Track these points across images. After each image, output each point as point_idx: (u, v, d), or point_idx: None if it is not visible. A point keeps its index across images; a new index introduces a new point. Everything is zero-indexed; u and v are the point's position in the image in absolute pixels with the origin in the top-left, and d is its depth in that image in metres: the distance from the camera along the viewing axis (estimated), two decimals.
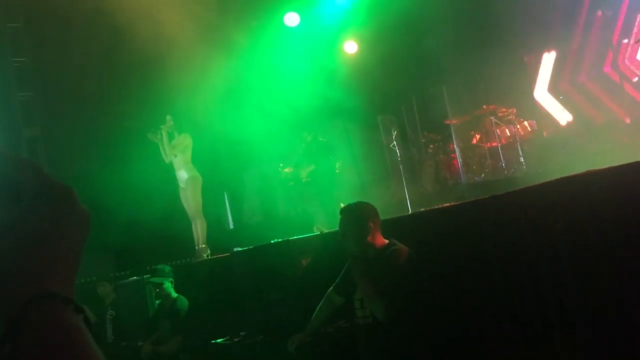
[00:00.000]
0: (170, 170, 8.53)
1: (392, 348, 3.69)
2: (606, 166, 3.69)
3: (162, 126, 8.07)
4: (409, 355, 3.65)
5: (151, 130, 8.14)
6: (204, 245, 7.97)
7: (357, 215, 3.93)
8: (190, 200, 8.04)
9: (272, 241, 6.79)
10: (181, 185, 8.14)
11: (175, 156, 8.04)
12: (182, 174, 8.08)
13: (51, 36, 8.71)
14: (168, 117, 8.10)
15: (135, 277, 8.03)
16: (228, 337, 6.10)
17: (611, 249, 3.43)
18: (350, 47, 10.49)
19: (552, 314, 3.74)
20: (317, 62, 9.71)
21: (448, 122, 10.01)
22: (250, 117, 8.97)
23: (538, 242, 3.86)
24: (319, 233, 7.05)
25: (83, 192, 0.73)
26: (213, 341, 6.09)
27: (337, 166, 9.26)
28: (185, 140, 8.05)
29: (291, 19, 9.80)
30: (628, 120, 9.57)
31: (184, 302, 6.07)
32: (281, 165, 9.84)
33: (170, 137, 8.10)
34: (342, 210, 4.06)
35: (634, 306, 3.34)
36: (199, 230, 8.08)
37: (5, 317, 0.63)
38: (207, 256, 7.80)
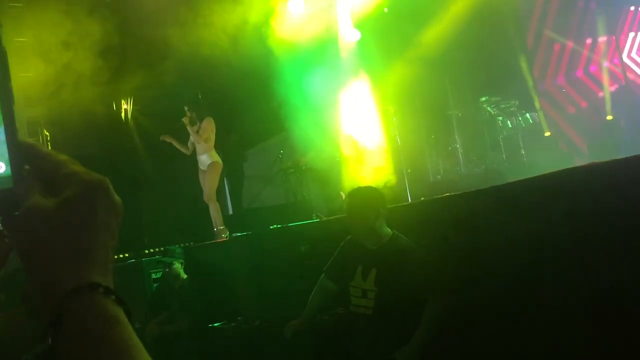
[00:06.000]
0: (171, 153, 8.54)
1: (388, 340, 3.69)
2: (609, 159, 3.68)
3: (182, 119, 8.11)
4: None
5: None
6: (222, 227, 8.05)
7: (365, 199, 3.94)
8: (206, 183, 8.17)
9: (271, 227, 6.79)
10: (201, 168, 8.21)
11: (199, 142, 8.10)
12: (205, 158, 8.19)
13: (53, 16, 8.65)
14: (185, 108, 8.15)
15: (133, 260, 8.05)
16: (225, 321, 6.12)
17: (612, 242, 3.42)
18: (353, 34, 10.41)
19: (552, 306, 3.74)
20: (318, 48, 9.64)
21: (450, 112, 9.98)
22: (249, 102, 8.94)
23: (539, 234, 3.85)
24: (318, 220, 7.05)
25: None
26: (210, 325, 6.11)
27: (337, 154, 9.24)
28: (210, 125, 8.10)
29: (295, 5, 9.72)
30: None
31: (193, 284, 6.14)
32: (282, 152, 9.82)
33: (192, 125, 8.14)
34: (350, 194, 4.06)
35: (635, 300, 3.34)
36: (214, 213, 8.21)
37: (48, 308, 0.62)
38: (226, 237, 7.84)
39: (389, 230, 3.91)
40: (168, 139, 8.29)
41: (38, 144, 0.71)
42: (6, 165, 0.70)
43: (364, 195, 3.99)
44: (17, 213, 0.67)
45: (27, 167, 0.70)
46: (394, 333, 3.66)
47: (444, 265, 4.17)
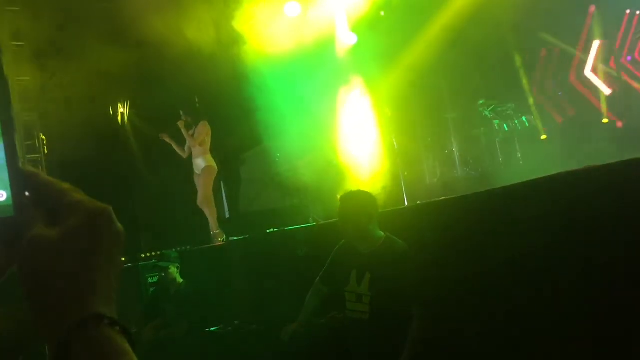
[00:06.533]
0: (167, 157, 8.55)
1: (386, 344, 3.69)
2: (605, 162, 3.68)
3: (178, 123, 8.13)
4: (398, 354, 3.64)
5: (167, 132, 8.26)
6: (218, 231, 8.03)
7: (358, 203, 3.94)
8: (201, 187, 8.14)
9: (267, 231, 6.78)
10: (196, 172, 8.20)
11: (194, 146, 8.10)
12: (200, 162, 8.18)
13: (50, 20, 8.65)
14: (181, 112, 8.16)
15: (129, 264, 8.04)
16: (222, 325, 6.11)
17: (609, 245, 3.43)
18: (350, 38, 10.42)
19: (548, 310, 3.74)
20: (315, 52, 9.65)
21: (446, 115, 10.00)
22: (246, 106, 8.94)
23: (534, 237, 3.86)
24: (314, 224, 7.04)
25: (78, 179, 0.72)
26: (207, 329, 6.10)
27: (334, 157, 9.25)
28: (205, 129, 8.10)
29: (292, 8, 9.73)
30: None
31: (190, 288, 6.12)
32: (278, 155, 9.82)
33: (189, 129, 8.14)
34: (342, 198, 4.06)
35: (632, 304, 3.34)
36: (208, 217, 8.15)
37: (53, 339, 0.62)
38: (223, 241, 7.82)
39: (382, 233, 3.91)
40: (167, 139, 8.31)
41: (40, 173, 0.70)
42: (7, 194, 0.69)
43: (356, 199, 4.00)
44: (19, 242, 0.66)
45: (27, 195, 0.69)
46: (391, 337, 3.65)
47: (436, 269, 4.17)
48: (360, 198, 4.01)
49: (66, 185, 0.70)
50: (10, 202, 0.69)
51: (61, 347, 0.61)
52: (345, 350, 4.03)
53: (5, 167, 0.69)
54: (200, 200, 8.17)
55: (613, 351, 3.43)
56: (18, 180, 0.69)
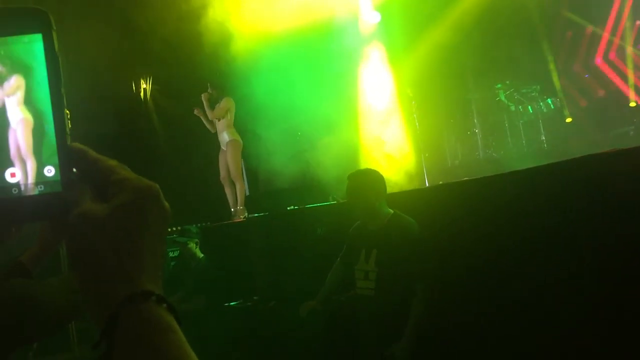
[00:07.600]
0: (188, 133, 8.58)
1: (388, 322, 3.72)
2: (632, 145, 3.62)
3: (202, 94, 8.17)
4: (402, 330, 3.66)
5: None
6: (242, 207, 8.09)
7: (365, 182, 3.98)
8: (230, 162, 8.20)
9: (287, 208, 6.80)
10: (222, 147, 8.24)
11: (218, 120, 8.13)
12: (224, 136, 8.23)
13: None
14: (208, 84, 8.20)
15: None
16: (241, 300, 6.17)
17: (634, 229, 3.38)
18: (374, 17, 10.30)
19: (567, 296, 3.71)
20: (338, 31, 9.58)
21: (469, 96, 9.89)
22: (267, 84, 8.93)
23: (557, 220, 3.82)
24: (334, 202, 7.05)
25: (102, 154, 0.73)
26: (227, 304, 6.16)
27: (355, 136, 9.22)
28: (227, 104, 8.12)
29: None
30: None
31: (209, 263, 6.19)
32: (299, 133, 9.81)
33: (213, 104, 8.19)
34: (351, 176, 4.10)
35: None
36: (238, 192, 8.23)
37: (102, 315, 0.62)
38: (245, 218, 7.88)
39: (390, 210, 3.95)
40: (199, 114, 8.36)
41: (88, 149, 0.71)
42: (56, 169, 0.70)
43: (364, 177, 4.05)
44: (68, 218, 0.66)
45: (75, 171, 0.70)
46: (397, 313, 3.69)
47: (454, 249, 4.16)
48: (367, 176, 4.05)
49: (114, 162, 0.70)
50: (59, 178, 0.70)
51: (109, 322, 0.61)
52: (355, 327, 4.07)
53: (55, 143, 0.70)
54: (232, 175, 8.21)
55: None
56: (66, 156, 0.70)
